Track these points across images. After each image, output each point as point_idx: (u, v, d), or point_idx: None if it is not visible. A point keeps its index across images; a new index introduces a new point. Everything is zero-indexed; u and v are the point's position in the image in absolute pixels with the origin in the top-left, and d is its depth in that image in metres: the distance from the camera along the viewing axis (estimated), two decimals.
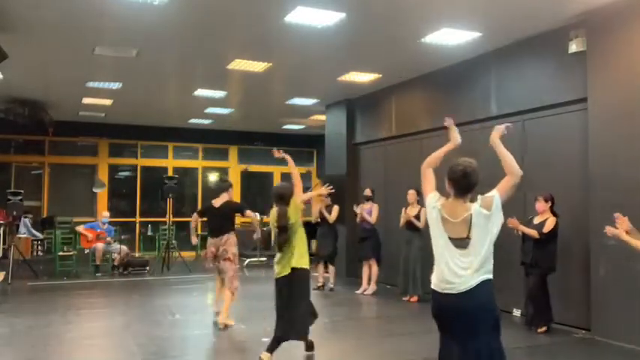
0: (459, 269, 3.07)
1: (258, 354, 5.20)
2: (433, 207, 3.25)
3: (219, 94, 10.99)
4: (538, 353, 5.62)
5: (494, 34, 7.08)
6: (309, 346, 5.46)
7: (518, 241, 6.54)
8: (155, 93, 11.14)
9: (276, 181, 16.76)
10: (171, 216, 12.57)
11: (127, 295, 9.07)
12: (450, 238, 3.13)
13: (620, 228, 3.97)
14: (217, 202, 6.93)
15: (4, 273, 9.83)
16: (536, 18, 6.48)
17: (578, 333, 6.35)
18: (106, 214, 11.82)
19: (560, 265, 6.43)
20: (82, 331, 6.65)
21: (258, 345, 5.93)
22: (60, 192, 14.62)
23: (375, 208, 9.04)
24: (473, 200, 3.18)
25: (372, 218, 8.94)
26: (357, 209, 9.08)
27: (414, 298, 8.31)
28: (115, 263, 11.35)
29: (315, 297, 8.92)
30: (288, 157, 5.56)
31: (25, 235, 12.41)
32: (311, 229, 10.38)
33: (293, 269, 5.09)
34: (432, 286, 3.20)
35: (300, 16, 6.43)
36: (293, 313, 5.11)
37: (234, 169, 16.53)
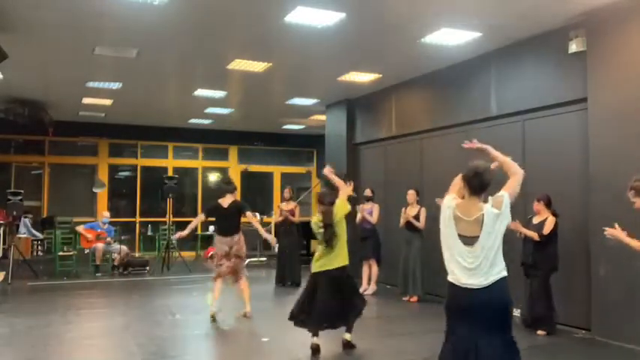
0: (469, 266, 3.22)
1: (258, 354, 5.21)
2: (448, 206, 3.39)
3: (219, 94, 10.99)
4: (538, 353, 5.62)
5: (494, 34, 7.08)
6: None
7: (518, 242, 6.54)
8: (155, 93, 11.14)
9: (276, 181, 16.79)
10: (171, 216, 12.57)
11: (127, 295, 9.07)
12: (459, 236, 3.27)
13: (619, 229, 4.05)
14: (225, 203, 7.05)
15: (4, 273, 9.83)
16: (536, 18, 6.48)
17: (578, 333, 6.35)
18: (107, 214, 11.82)
19: (561, 265, 6.43)
20: (82, 331, 6.65)
21: (258, 345, 5.94)
22: (60, 192, 14.63)
23: (375, 208, 9.05)
24: (486, 201, 3.32)
25: (374, 218, 8.94)
26: (358, 210, 9.08)
27: (414, 298, 8.32)
28: (115, 263, 11.35)
29: None
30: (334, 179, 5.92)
31: (25, 235, 12.41)
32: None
33: (344, 265, 5.57)
34: (450, 279, 3.33)
35: (300, 16, 6.43)
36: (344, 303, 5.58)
37: (234, 169, 16.53)
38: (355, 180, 11.22)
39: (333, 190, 5.82)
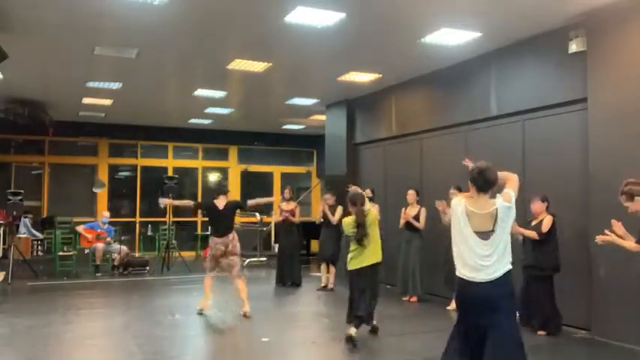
0: (482, 259, 3.41)
1: (258, 354, 5.21)
2: (458, 204, 3.56)
3: (219, 94, 10.99)
4: (538, 353, 5.62)
5: (494, 34, 7.08)
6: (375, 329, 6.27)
7: (516, 243, 6.51)
8: (155, 93, 11.14)
9: (276, 181, 16.80)
10: (171, 216, 12.58)
11: (127, 295, 9.07)
12: (475, 232, 3.45)
13: (612, 234, 4.18)
14: (220, 204, 7.24)
15: (4, 273, 9.83)
16: (536, 18, 6.48)
17: (578, 333, 6.35)
18: (107, 214, 11.82)
19: (561, 266, 6.43)
20: (82, 331, 6.65)
21: (258, 345, 5.94)
22: (60, 192, 14.62)
23: (376, 209, 9.02)
24: (493, 197, 3.53)
25: None
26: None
27: (414, 298, 8.31)
28: (115, 263, 11.35)
29: (316, 297, 8.97)
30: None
31: (25, 235, 12.41)
32: (313, 229, 10.42)
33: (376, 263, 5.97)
34: (458, 274, 3.53)
35: (300, 16, 6.43)
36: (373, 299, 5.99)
37: (234, 169, 16.53)
38: (355, 180, 11.25)
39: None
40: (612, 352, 5.71)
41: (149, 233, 14.97)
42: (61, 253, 11.08)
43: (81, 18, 6.58)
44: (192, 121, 14.26)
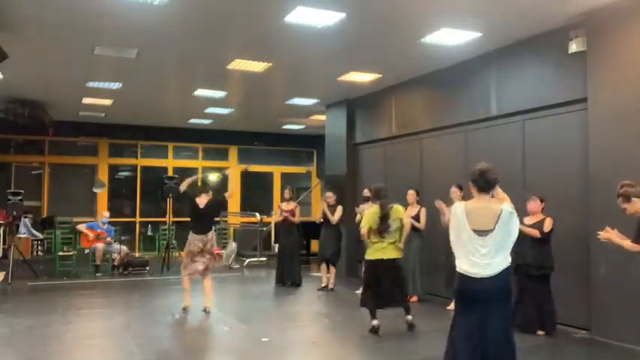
0: (481, 256, 3.58)
1: (258, 354, 5.20)
2: (458, 206, 3.77)
3: (219, 94, 10.99)
4: (538, 353, 5.62)
5: (494, 34, 7.08)
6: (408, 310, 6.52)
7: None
8: (155, 93, 11.14)
9: (276, 181, 16.80)
10: (171, 216, 12.57)
11: (127, 295, 9.06)
12: (473, 230, 3.61)
13: (613, 231, 4.29)
14: (202, 203, 7.44)
15: (4, 273, 9.83)
16: (536, 18, 6.48)
17: (578, 333, 6.35)
18: (106, 214, 11.81)
19: (561, 265, 6.44)
20: (82, 331, 6.65)
21: (258, 345, 5.94)
22: (60, 192, 14.62)
23: (374, 209, 9.01)
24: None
25: None
26: (357, 210, 9.07)
27: (414, 298, 8.30)
28: (115, 263, 11.34)
29: (316, 297, 8.97)
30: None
31: (25, 235, 12.40)
32: (313, 229, 10.42)
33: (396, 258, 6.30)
34: (459, 270, 3.70)
35: (300, 16, 6.44)
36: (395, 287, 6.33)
37: (234, 169, 16.52)
38: (355, 180, 11.27)
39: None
40: (612, 352, 5.71)
41: (149, 233, 14.97)
42: (61, 253, 11.08)
43: (81, 18, 6.58)
44: (192, 121, 14.26)
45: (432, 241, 8.23)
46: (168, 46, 7.85)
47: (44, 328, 6.57)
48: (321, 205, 9.56)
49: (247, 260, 13.00)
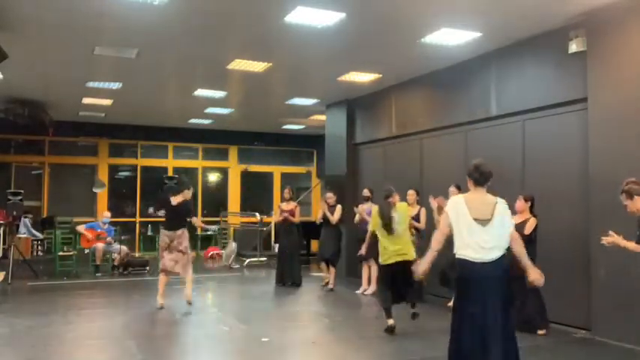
0: (483, 242, 3.77)
1: (258, 354, 5.20)
2: (456, 201, 3.95)
3: (219, 94, 10.99)
4: (538, 353, 5.62)
5: (494, 34, 7.08)
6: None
7: None
8: (155, 93, 11.14)
9: (276, 181, 16.80)
10: None
11: (127, 295, 9.06)
12: (475, 219, 3.80)
13: (616, 235, 4.31)
14: (175, 201, 7.72)
15: (4, 273, 9.83)
16: (536, 18, 6.48)
17: (578, 333, 6.35)
18: (107, 214, 11.81)
19: (561, 266, 6.44)
20: (82, 331, 6.64)
21: (258, 345, 5.94)
22: (60, 192, 14.62)
23: (374, 209, 9.01)
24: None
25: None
26: (357, 210, 9.07)
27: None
28: (115, 263, 11.34)
29: (316, 297, 8.97)
30: None
31: (25, 235, 12.40)
32: (313, 229, 10.42)
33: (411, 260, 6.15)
34: (460, 256, 3.85)
35: (300, 16, 6.44)
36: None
37: (234, 169, 16.53)
38: (355, 180, 11.27)
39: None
40: (612, 352, 5.71)
41: (149, 233, 14.96)
42: (61, 253, 11.08)
43: (81, 18, 6.58)
44: (192, 121, 14.26)
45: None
46: (169, 46, 7.85)
47: (44, 328, 6.57)
48: (321, 207, 9.55)
49: (247, 260, 13.00)
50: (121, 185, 15.67)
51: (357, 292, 9.12)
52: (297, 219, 9.76)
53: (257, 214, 13.67)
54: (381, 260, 6.40)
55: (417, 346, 5.89)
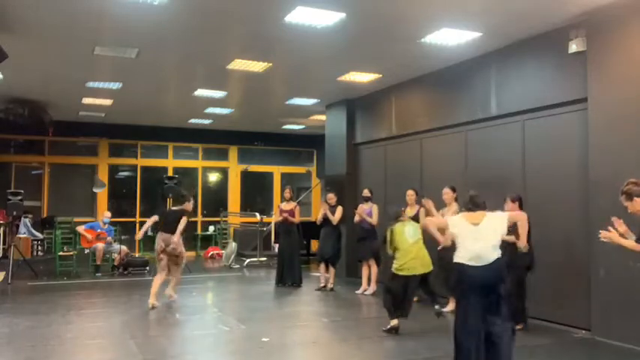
0: (477, 247, 4.31)
1: (258, 354, 5.19)
2: (456, 217, 4.69)
3: (219, 94, 10.99)
4: (538, 353, 5.62)
5: (494, 34, 7.08)
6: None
7: None
8: (155, 93, 11.14)
9: (276, 181, 16.80)
10: None
11: (127, 295, 9.06)
12: (471, 223, 4.42)
13: (615, 231, 4.28)
14: (174, 208, 8.32)
15: (4, 273, 9.83)
16: (536, 18, 6.48)
17: (578, 333, 6.35)
18: (108, 214, 11.80)
19: (561, 266, 6.43)
20: (82, 331, 6.64)
21: (258, 345, 5.94)
22: (60, 192, 14.62)
23: (374, 209, 9.02)
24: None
25: (373, 219, 8.91)
26: (357, 211, 9.07)
27: (414, 299, 8.29)
28: (115, 263, 11.34)
29: (316, 298, 8.97)
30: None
31: (25, 235, 12.40)
32: (313, 229, 10.41)
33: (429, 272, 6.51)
34: (459, 261, 4.38)
35: (300, 16, 6.44)
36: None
37: (234, 169, 16.53)
38: (355, 180, 11.27)
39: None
40: (612, 352, 5.71)
41: (149, 233, 14.88)
42: (61, 253, 11.08)
43: (81, 18, 6.58)
44: (192, 121, 14.26)
45: (432, 242, 8.21)
46: (168, 46, 7.85)
47: (44, 328, 6.57)
48: (321, 207, 9.54)
49: (247, 260, 12.99)
50: (121, 185, 15.67)
51: (357, 292, 9.11)
52: (297, 219, 9.76)
53: (257, 214, 13.67)
54: (395, 269, 6.38)
55: (417, 346, 5.88)
